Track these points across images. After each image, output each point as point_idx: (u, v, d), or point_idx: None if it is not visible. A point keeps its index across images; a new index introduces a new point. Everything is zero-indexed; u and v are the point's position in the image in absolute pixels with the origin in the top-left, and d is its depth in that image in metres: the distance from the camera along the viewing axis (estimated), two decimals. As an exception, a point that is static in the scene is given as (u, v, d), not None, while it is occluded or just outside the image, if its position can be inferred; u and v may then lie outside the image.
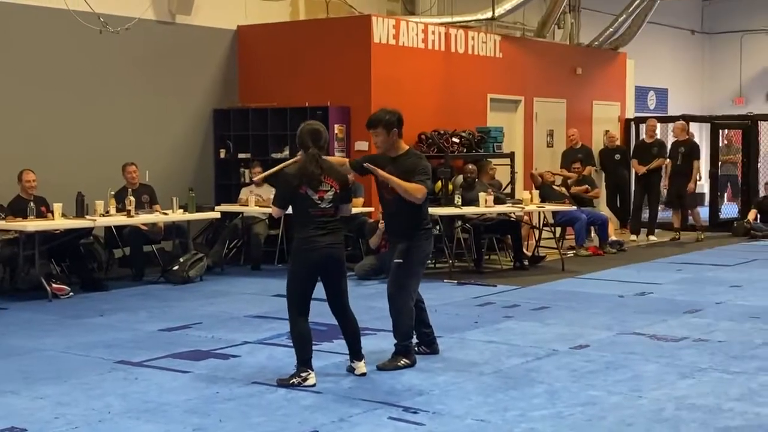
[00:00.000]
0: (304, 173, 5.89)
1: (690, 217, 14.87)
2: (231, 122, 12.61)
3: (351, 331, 6.14)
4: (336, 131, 11.81)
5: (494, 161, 12.57)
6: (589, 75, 15.65)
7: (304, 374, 5.85)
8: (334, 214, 5.97)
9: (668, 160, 14.51)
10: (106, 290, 9.72)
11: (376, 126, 6.33)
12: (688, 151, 14.42)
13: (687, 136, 14.56)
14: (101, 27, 10.75)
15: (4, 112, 10.57)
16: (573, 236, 12.81)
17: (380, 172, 6.20)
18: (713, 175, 16.12)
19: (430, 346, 6.68)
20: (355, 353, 6.14)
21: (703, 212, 15.83)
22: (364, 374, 6.07)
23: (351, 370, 6.14)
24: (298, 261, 5.98)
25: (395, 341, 6.36)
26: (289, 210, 6.09)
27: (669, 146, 14.70)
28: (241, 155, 12.52)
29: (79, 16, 10.72)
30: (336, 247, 5.95)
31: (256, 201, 11.43)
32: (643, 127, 16.39)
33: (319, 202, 5.90)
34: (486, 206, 10.93)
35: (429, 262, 11.17)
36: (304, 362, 5.89)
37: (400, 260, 6.31)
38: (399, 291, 6.33)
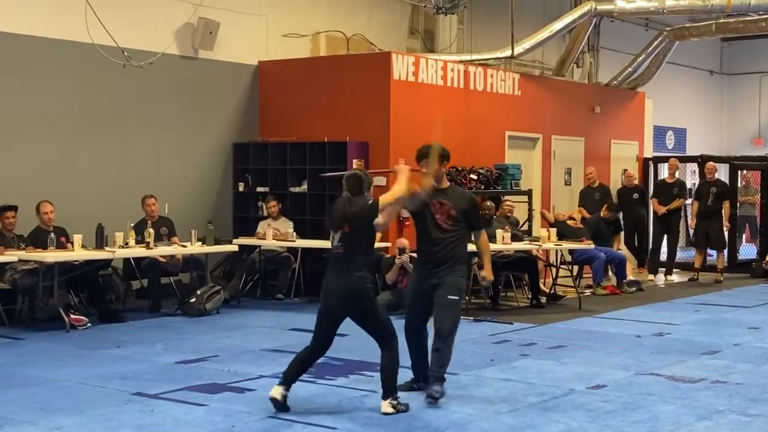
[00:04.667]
0: (329, 213, 6.15)
1: (714, 258, 14.80)
2: (250, 156, 12.70)
3: (382, 367, 6.12)
4: (354, 166, 11.85)
5: (511, 198, 12.58)
6: (607, 114, 15.68)
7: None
8: (348, 254, 6.00)
9: (690, 200, 14.46)
10: (123, 322, 9.75)
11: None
12: (720, 191, 14.43)
13: (717, 177, 14.60)
14: (125, 61, 10.88)
15: (28, 144, 10.69)
16: (590, 275, 12.78)
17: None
18: (732, 216, 16.06)
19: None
20: (383, 390, 6.09)
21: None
22: (386, 414, 5.99)
23: (380, 408, 6.07)
24: (321, 300, 6.13)
25: (437, 372, 6.35)
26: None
27: (696, 186, 14.64)
28: (259, 189, 12.59)
29: (103, 51, 10.86)
30: (345, 291, 5.99)
31: (273, 234, 11.48)
32: (660, 166, 16.39)
33: (331, 240, 6.02)
34: (503, 243, 10.93)
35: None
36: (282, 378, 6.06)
37: (456, 297, 6.44)
38: (455, 327, 6.44)
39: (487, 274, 6.80)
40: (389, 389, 6.07)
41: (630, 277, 13.18)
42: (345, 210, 6.04)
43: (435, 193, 6.49)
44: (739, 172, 16.46)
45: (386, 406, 6.03)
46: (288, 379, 6.02)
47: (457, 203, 6.54)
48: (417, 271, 6.66)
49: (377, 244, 10.99)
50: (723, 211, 14.44)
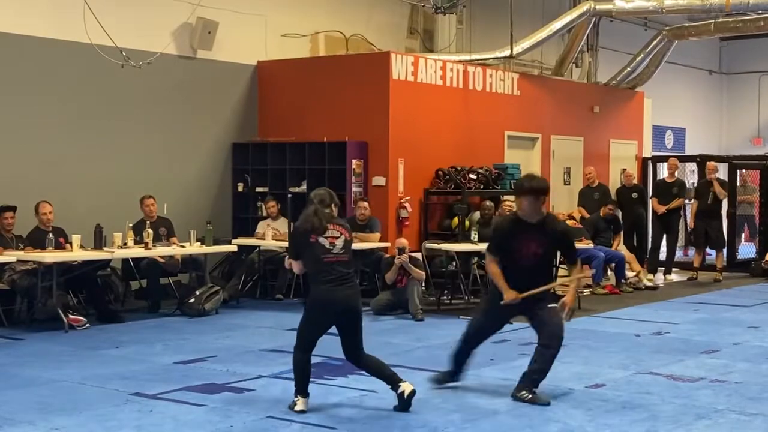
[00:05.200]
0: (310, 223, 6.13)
1: (713, 257, 14.80)
2: (250, 156, 12.70)
3: (375, 369, 6.17)
4: (354, 166, 11.87)
5: (511, 198, 12.55)
6: (606, 113, 15.69)
7: (295, 399, 6.04)
8: (350, 262, 6.10)
9: (692, 200, 14.43)
10: (122, 322, 9.75)
11: (547, 193, 6.51)
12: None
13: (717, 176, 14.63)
14: (123, 61, 10.86)
15: (26, 144, 10.69)
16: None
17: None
18: (731, 215, 16.07)
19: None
20: (392, 382, 6.12)
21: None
22: (414, 392, 6.05)
23: (402, 395, 6.05)
24: (315, 310, 6.12)
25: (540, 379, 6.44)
26: None
27: (695, 185, 14.62)
28: (258, 189, 12.59)
29: (101, 51, 10.84)
30: (350, 303, 6.05)
31: (273, 234, 11.48)
32: (659, 166, 16.38)
33: (331, 248, 6.03)
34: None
35: (444, 298, 11.22)
36: (296, 390, 6.05)
37: (555, 305, 6.51)
38: None
39: (569, 300, 6.55)
40: (393, 374, 6.14)
41: (645, 281, 13.28)
42: (341, 219, 6.16)
43: (524, 228, 6.37)
44: (738, 171, 16.46)
45: (408, 385, 6.06)
46: (303, 388, 6.05)
47: (545, 240, 6.39)
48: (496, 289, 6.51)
49: (377, 245, 11.12)
50: (715, 188, 14.32)
